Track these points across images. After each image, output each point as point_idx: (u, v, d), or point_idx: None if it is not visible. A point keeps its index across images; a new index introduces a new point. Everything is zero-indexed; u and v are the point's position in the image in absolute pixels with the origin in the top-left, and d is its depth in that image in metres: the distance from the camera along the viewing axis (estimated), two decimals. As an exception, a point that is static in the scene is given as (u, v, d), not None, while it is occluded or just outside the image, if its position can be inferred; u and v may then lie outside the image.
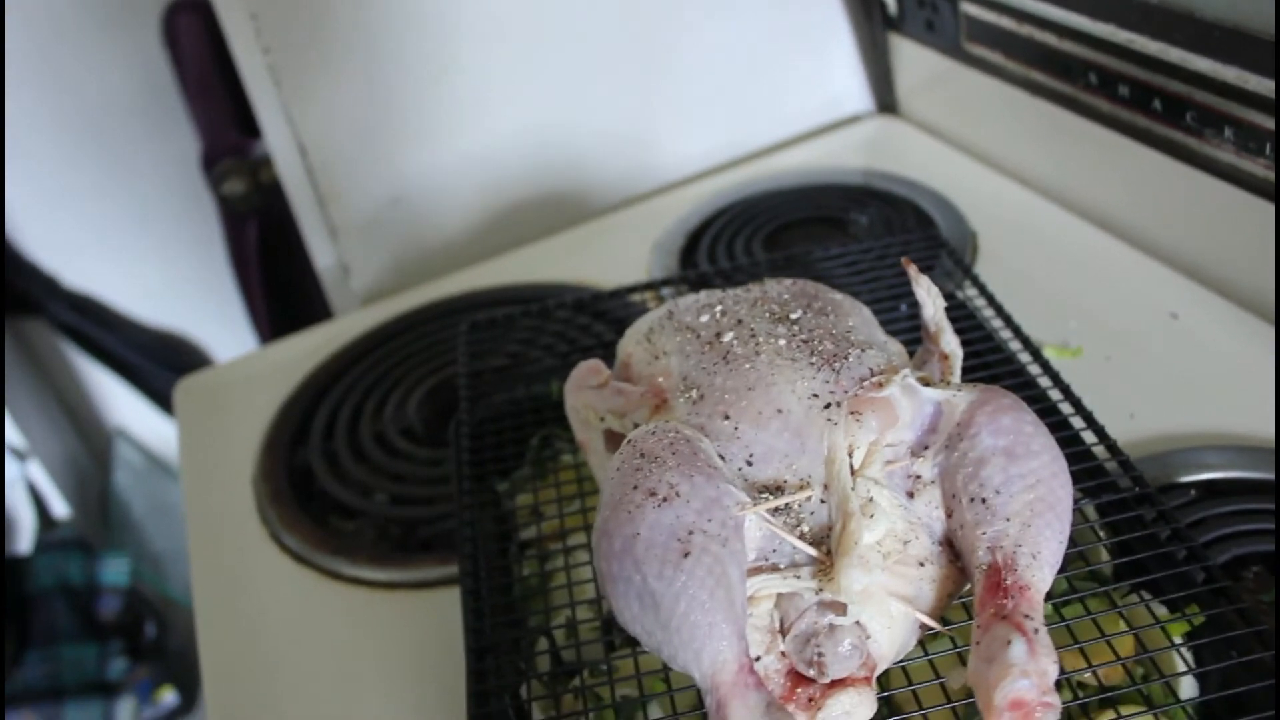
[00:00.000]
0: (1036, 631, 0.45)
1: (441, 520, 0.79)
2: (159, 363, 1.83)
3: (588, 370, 0.61)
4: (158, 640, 1.97)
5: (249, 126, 1.19)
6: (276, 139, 1.09)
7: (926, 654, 0.53)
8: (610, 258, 1.07)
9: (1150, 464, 0.72)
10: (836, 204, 1.09)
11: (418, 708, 0.67)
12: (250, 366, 1.06)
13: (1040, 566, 0.48)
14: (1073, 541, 0.60)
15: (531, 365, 0.80)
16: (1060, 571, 0.57)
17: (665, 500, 0.46)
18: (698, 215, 1.10)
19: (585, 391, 0.59)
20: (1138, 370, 0.82)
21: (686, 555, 0.44)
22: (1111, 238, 0.97)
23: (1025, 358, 0.71)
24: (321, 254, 1.15)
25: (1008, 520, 0.48)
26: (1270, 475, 0.71)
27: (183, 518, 0.88)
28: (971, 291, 0.78)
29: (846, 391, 0.51)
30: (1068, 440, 0.64)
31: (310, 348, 1.03)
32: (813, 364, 0.52)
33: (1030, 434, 0.51)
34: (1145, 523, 0.58)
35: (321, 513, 0.84)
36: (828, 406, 0.50)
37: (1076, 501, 0.62)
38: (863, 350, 0.54)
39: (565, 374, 0.65)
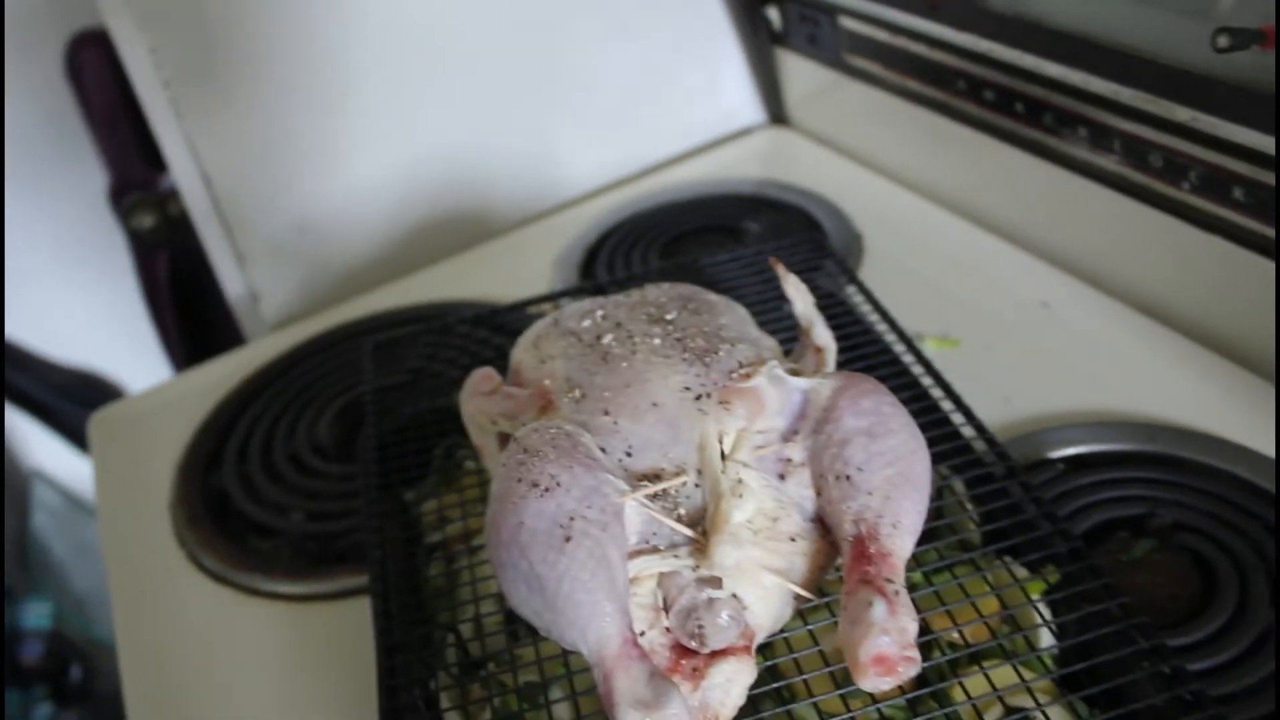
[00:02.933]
0: (897, 593, 0.49)
1: (355, 532, 0.81)
2: (75, 401, 1.82)
3: (480, 378, 0.64)
4: (84, 683, 1.95)
5: (155, 159, 1.20)
6: (181, 170, 1.11)
7: (806, 624, 0.56)
8: (512, 274, 1.10)
9: (1023, 443, 0.77)
10: (730, 213, 1.13)
11: (342, 713, 0.69)
12: (164, 395, 1.07)
13: (901, 534, 0.52)
14: (942, 514, 0.65)
15: (434, 379, 0.83)
16: (930, 542, 0.61)
17: (547, 490, 0.49)
18: (597, 229, 1.14)
19: (478, 398, 0.62)
20: (1013, 357, 0.87)
21: (568, 540, 0.48)
22: (986, 233, 1.03)
23: (901, 348, 0.76)
24: (231, 282, 1.16)
25: (870, 494, 0.52)
26: (1132, 447, 0.76)
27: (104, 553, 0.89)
28: (852, 289, 0.83)
29: (716, 383, 0.55)
30: (939, 423, 0.69)
31: (223, 374, 1.04)
32: (685, 360, 0.56)
33: (889, 414, 0.55)
34: (1010, 495, 0.63)
35: (239, 533, 0.85)
36: (698, 398, 0.54)
37: (946, 478, 0.66)
38: (733, 345, 0.58)
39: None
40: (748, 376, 0.55)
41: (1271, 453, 0.74)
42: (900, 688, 0.55)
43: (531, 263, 1.11)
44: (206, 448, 0.95)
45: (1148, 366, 0.85)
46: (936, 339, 0.89)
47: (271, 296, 1.16)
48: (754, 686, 0.52)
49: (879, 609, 0.48)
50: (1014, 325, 0.91)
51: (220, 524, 0.86)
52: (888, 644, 0.47)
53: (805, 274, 0.71)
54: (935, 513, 0.65)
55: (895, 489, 0.53)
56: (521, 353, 0.63)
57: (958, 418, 0.69)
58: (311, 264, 1.16)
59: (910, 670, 0.48)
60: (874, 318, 0.79)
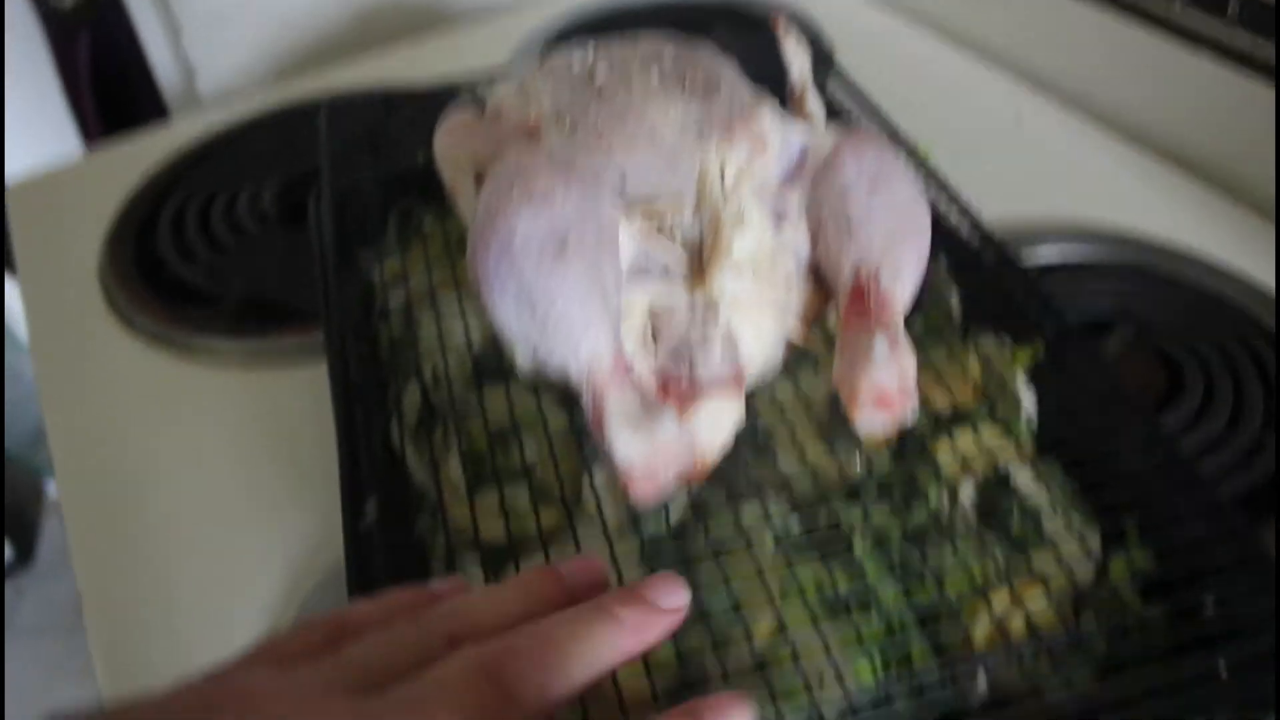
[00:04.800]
0: (897, 335, 0.48)
1: (303, 295, 0.77)
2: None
3: (458, 114, 0.60)
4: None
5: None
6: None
7: (794, 380, 0.55)
8: (470, 64, 1.04)
9: (994, 248, 0.76)
10: (698, 19, 1.09)
11: (289, 474, 0.66)
12: (88, 167, 1.01)
13: (901, 282, 0.50)
14: (934, 290, 0.63)
15: (393, 145, 0.78)
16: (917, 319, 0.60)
17: (543, 200, 0.46)
18: (558, 24, 1.09)
19: (457, 134, 0.59)
20: (984, 170, 0.85)
21: (564, 253, 0.45)
22: (959, 49, 1.00)
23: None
24: (161, 59, 1.09)
25: (871, 241, 0.50)
26: (1102, 256, 0.76)
27: (10, 369, 0.84)
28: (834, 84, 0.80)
29: (719, 117, 0.52)
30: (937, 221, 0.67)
31: (152, 147, 0.98)
32: (683, 94, 0.53)
33: (892, 167, 0.53)
34: (1000, 278, 0.61)
35: (175, 301, 0.81)
36: (700, 130, 0.51)
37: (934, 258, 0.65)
38: (734, 86, 0.55)
39: (430, 147, 0.64)
40: (752, 113, 0.53)
41: (1234, 265, 0.74)
42: (886, 441, 0.54)
43: (491, 52, 1.05)
44: (138, 218, 0.90)
45: (1118, 183, 0.84)
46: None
47: (208, 71, 1.09)
48: (738, 439, 0.50)
49: (880, 346, 0.47)
50: (986, 139, 0.90)
51: (155, 289, 0.82)
52: (888, 379, 0.46)
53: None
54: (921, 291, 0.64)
55: (897, 238, 0.51)
56: (504, 94, 0.60)
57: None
58: (254, 36, 1.09)
59: (908, 408, 0.47)
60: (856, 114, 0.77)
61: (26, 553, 1.91)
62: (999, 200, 0.81)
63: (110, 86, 1.30)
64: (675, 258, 0.49)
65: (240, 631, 0.59)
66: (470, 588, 0.39)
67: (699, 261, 0.49)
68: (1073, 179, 0.84)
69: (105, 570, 0.64)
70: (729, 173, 0.51)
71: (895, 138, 0.73)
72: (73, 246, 0.88)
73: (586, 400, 0.45)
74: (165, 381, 0.75)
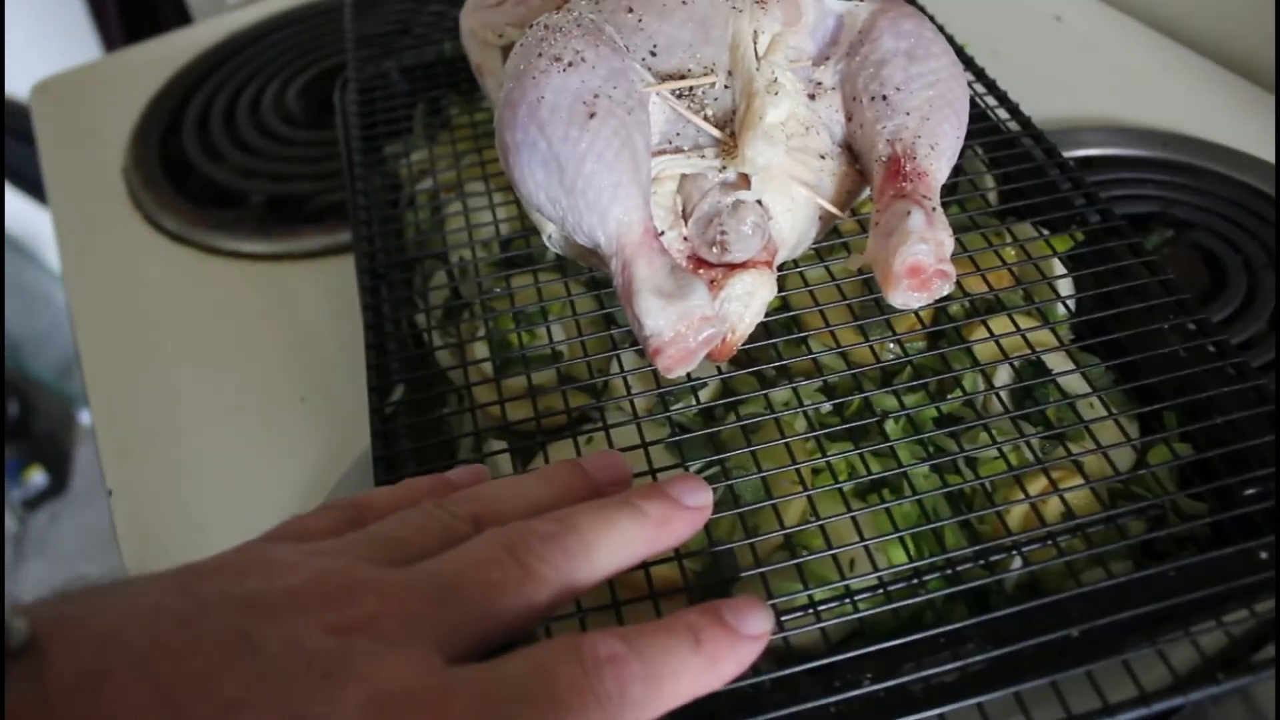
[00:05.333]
0: (934, 209, 0.46)
1: (328, 193, 0.77)
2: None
3: (484, -8, 0.58)
4: (22, 420, 1.92)
5: None
6: None
7: (824, 262, 0.54)
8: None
9: (1034, 143, 0.74)
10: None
11: (316, 368, 0.66)
12: (112, 67, 0.99)
13: (939, 156, 0.48)
14: (974, 185, 0.62)
15: (420, 36, 0.77)
16: (955, 203, 0.58)
17: (571, 65, 0.44)
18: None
19: (482, 10, 0.57)
20: (1022, 64, 0.83)
21: (592, 116, 0.44)
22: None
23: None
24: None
25: (907, 114, 0.49)
26: (1144, 152, 0.74)
27: (42, 296, 0.83)
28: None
29: (752, -17, 0.50)
30: (979, 113, 0.65)
31: (176, 49, 0.97)
32: (718, -39, 0.51)
33: (930, 38, 0.51)
34: (1040, 168, 0.60)
35: (200, 200, 0.80)
36: (733, -2, 0.49)
37: (970, 146, 0.63)
38: (766, -46, 0.53)
39: (456, 37, 0.63)
40: (787, -20, 0.51)
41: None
42: (920, 319, 0.53)
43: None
44: (162, 117, 0.89)
45: (1159, 80, 0.81)
46: (946, 44, 0.85)
47: (232, -29, 1.07)
48: (768, 316, 0.49)
49: (917, 218, 0.45)
50: (1025, 34, 0.87)
51: (180, 187, 0.81)
52: (925, 252, 0.44)
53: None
54: (959, 174, 0.63)
55: (935, 110, 0.49)
56: (528, -31, 0.58)
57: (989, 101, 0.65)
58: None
59: (944, 286, 0.45)
60: None
61: (61, 480, 1.94)
62: (1038, 97, 0.78)
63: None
64: (708, 129, 0.48)
65: (270, 524, 0.59)
66: (488, 476, 0.39)
67: (730, 133, 0.48)
68: (1112, 76, 0.82)
69: (133, 466, 0.64)
70: (762, 41, 0.49)
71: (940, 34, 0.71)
72: (97, 148, 0.88)
73: (615, 269, 0.44)
74: (193, 281, 0.75)
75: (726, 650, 0.31)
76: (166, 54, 0.96)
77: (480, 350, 0.55)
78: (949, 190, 0.62)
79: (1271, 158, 0.72)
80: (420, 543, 0.32)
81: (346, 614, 0.28)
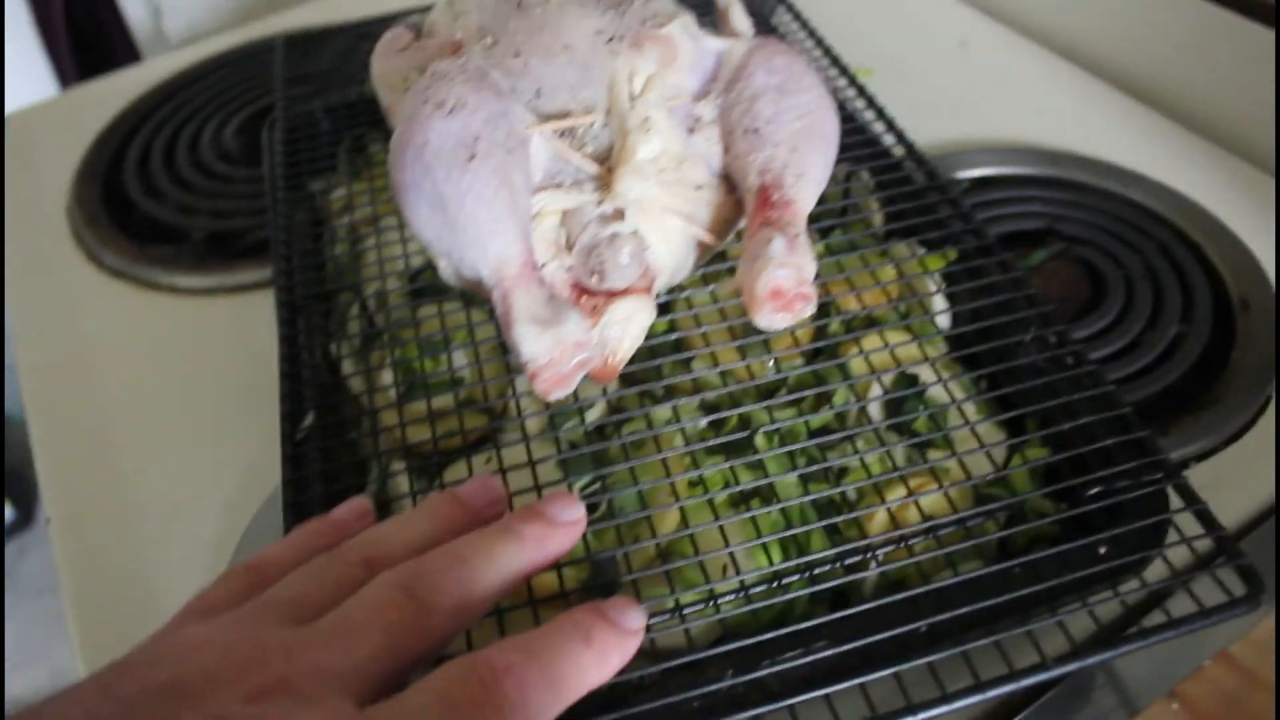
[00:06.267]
0: (797, 236, 0.50)
1: (263, 229, 0.80)
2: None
3: (392, 37, 0.62)
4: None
5: None
6: None
7: (708, 286, 0.57)
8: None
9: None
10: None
11: (248, 400, 0.68)
12: (60, 106, 1.02)
13: (805, 184, 0.52)
14: (858, 209, 0.65)
15: (347, 78, 0.80)
16: (837, 232, 0.62)
17: (453, 110, 0.48)
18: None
19: (391, 56, 0.61)
20: (925, 89, 0.87)
21: (472, 158, 0.47)
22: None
23: (819, 54, 0.75)
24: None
25: (777, 146, 0.52)
26: (1035, 170, 0.78)
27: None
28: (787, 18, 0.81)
29: (630, 28, 0.54)
30: (857, 130, 0.68)
31: (122, 88, 1.00)
32: (599, 7, 0.55)
33: (801, 73, 0.55)
34: (922, 195, 0.63)
35: (140, 237, 0.83)
36: (610, 40, 0.53)
37: (852, 171, 0.67)
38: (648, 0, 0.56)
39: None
40: (662, 25, 0.54)
41: (1167, 180, 0.76)
42: (795, 338, 0.57)
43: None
44: (106, 155, 0.92)
45: (1057, 103, 0.85)
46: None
47: (174, 9, 1.10)
48: (655, 338, 0.53)
49: (778, 245, 0.48)
50: (930, 60, 0.91)
51: (122, 225, 0.84)
52: (785, 277, 0.48)
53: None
54: (847, 198, 0.66)
55: (803, 141, 0.53)
56: (436, 14, 0.61)
57: (878, 128, 0.69)
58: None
59: (806, 309, 0.49)
60: (800, 35, 0.78)
61: (27, 513, 1.94)
62: (940, 120, 0.83)
63: (84, 31, 1.32)
64: (586, 166, 0.51)
65: (203, 548, 0.61)
66: (369, 508, 0.42)
67: (608, 168, 0.51)
68: (1013, 98, 0.86)
69: (71, 495, 0.66)
70: (638, 81, 0.52)
71: (835, 63, 0.74)
72: (43, 187, 0.91)
73: (496, 299, 0.47)
74: (132, 316, 0.77)
75: (614, 644, 0.34)
76: (112, 93, 0.99)
77: (387, 377, 0.58)
78: (839, 214, 0.66)
79: (1160, 174, 0.76)
80: (319, 597, 0.34)
81: (260, 680, 0.30)
